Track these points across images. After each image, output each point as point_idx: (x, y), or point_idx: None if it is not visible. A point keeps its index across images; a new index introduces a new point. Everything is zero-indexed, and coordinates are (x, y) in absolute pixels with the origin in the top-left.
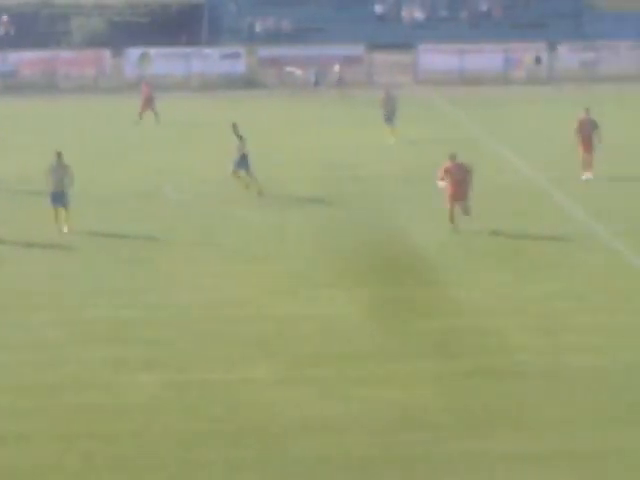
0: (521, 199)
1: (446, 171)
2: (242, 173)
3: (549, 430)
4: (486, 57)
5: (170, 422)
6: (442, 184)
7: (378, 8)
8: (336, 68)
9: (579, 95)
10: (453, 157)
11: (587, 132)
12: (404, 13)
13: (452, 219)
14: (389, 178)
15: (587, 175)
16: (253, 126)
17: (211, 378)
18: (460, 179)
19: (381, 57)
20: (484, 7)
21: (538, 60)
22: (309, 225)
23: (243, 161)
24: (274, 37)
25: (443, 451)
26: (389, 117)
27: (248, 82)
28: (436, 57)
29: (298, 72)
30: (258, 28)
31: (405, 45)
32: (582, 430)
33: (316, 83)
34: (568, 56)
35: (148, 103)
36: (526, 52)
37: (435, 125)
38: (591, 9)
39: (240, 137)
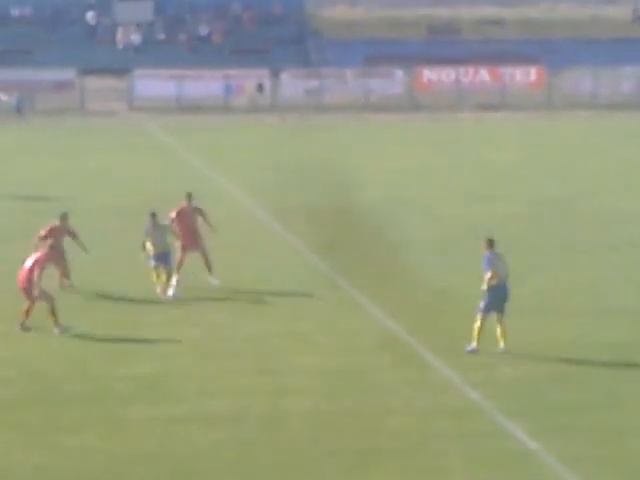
0: (240, 231)
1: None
2: None
3: (270, 479)
4: (206, 84)
5: None
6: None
7: (91, 30)
8: None
9: (303, 124)
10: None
11: (189, 224)
12: (119, 36)
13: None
14: (99, 211)
15: (213, 280)
16: None
17: None
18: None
19: (94, 82)
20: (204, 31)
21: (260, 87)
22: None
23: None
24: None
25: None
26: None
27: None
28: (152, 83)
29: (4, 97)
30: None
31: (120, 70)
32: (304, 477)
33: (18, 110)
34: (292, 84)
35: None
36: (248, 79)
37: (150, 155)
38: (316, 36)
39: None
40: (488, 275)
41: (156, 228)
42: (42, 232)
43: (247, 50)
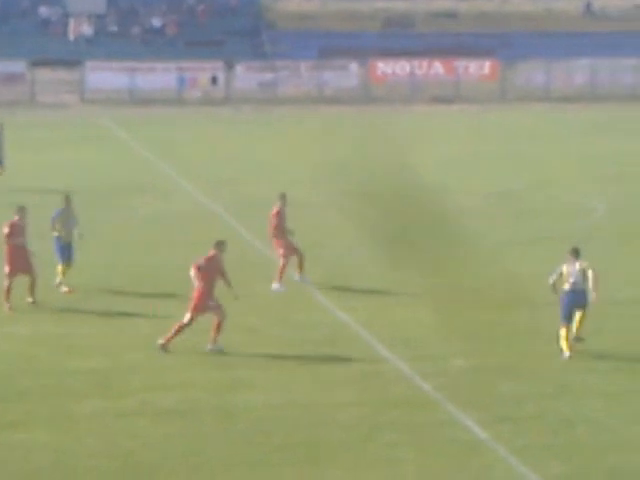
0: (193, 224)
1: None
2: None
3: (221, 472)
4: (159, 76)
5: None
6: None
7: (42, 21)
8: None
9: (258, 117)
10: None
11: (284, 229)
12: (71, 27)
13: None
14: (49, 204)
15: (301, 277)
16: None
17: None
18: None
19: (45, 74)
20: (157, 23)
21: (214, 80)
22: None
23: None
24: None
25: None
26: None
27: None
28: (105, 75)
29: None
30: None
31: (72, 62)
32: (256, 470)
33: None
34: (246, 76)
35: None
36: (202, 71)
37: (103, 147)
38: (271, 28)
39: None
40: (550, 281)
41: (68, 213)
42: (5, 229)
43: (201, 42)
